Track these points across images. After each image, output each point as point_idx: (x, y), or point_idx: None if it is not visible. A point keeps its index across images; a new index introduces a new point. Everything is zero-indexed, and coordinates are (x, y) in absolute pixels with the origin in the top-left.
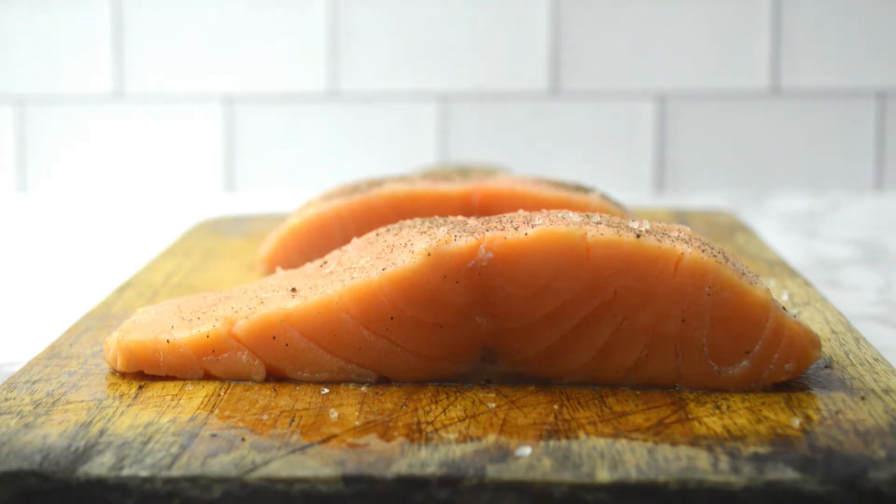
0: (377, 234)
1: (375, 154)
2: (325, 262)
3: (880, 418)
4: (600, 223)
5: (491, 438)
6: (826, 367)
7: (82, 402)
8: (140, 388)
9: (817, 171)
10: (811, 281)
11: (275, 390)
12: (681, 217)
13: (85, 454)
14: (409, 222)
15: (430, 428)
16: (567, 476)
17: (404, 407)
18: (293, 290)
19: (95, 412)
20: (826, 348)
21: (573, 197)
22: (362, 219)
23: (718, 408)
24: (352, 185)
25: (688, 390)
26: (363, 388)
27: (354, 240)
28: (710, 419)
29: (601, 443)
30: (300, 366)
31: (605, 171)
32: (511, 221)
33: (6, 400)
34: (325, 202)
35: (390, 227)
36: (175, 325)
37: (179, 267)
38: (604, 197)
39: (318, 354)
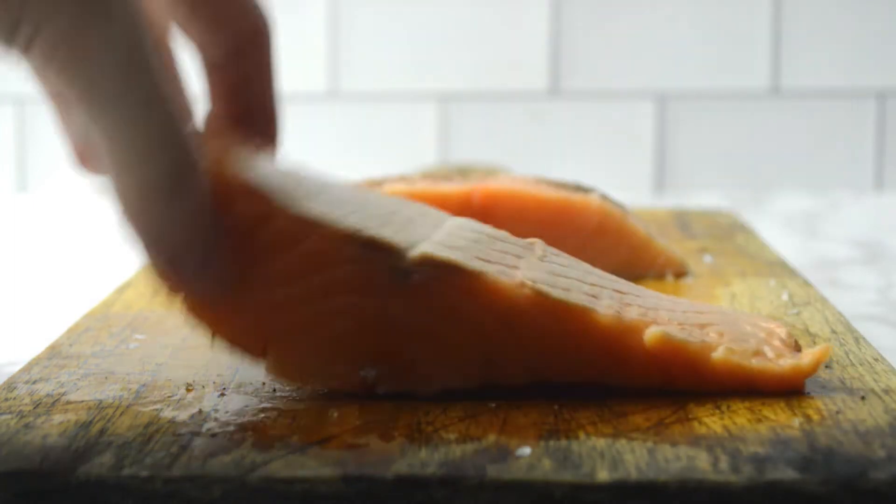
0: None
1: (375, 154)
2: None
3: (880, 418)
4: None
5: (491, 438)
6: (826, 367)
7: (82, 402)
8: (140, 387)
9: (817, 171)
10: (811, 281)
11: (275, 390)
12: (681, 217)
13: (85, 454)
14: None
15: (430, 428)
16: (567, 476)
17: (404, 407)
18: None
19: (95, 412)
20: None
21: (573, 197)
22: None
23: (718, 408)
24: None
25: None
26: None
27: None
28: (710, 419)
29: (601, 443)
30: None
31: (605, 171)
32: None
33: (6, 400)
34: None
35: None
36: None
37: None
38: (604, 197)
39: None
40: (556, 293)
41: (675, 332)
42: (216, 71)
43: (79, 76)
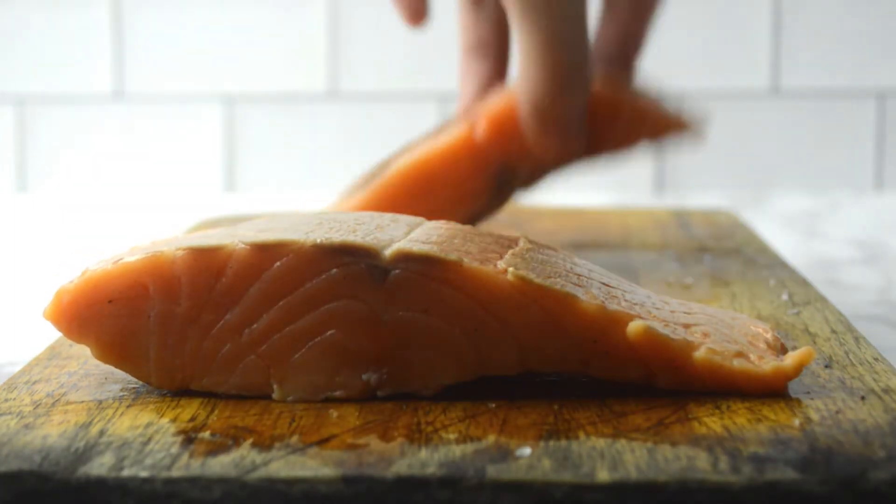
0: None
1: (375, 154)
2: None
3: (880, 418)
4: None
5: (491, 438)
6: (826, 367)
7: (82, 402)
8: (140, 387)
9: (817, 171)
10: (811, 281)
11: None
12: (681, 217)
13: (85, 455)
14: None
15: (430, 428)
16: (567, 476)
17: (404, 407)
18: None
19: (95, 412)
20: (826, 348)
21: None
22: (388, 206)
23: (718, 408)
24: (367, 174)
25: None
26: None
27: None
28: (710, 419)
29: (601, 443)
30: None
31: (605, 170)
32: None
33: (6, 400)
34: (348, 201)
35: None
36: None
37: None
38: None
39: None
40: (539, 279)
41: (659, 327)
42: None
43: None
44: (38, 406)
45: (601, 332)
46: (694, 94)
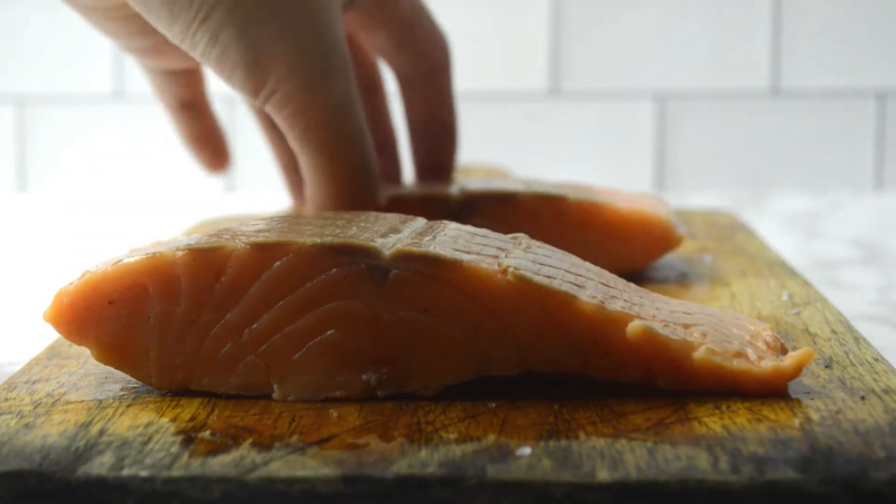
0: None
1: None
2: None
3: (880, 418)
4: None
5: (491, 438)
6: (826, 367)
7: (82, 402)
8: (140, 387)
9: (817, 171)
10: (811, 281)
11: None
12: (681, 217)
13: (85, 454)
14: None
15: (430, 428)
16: (567, 476)
17: (404, 407)
18: None
19: (95, 412)
20: (826, 348)
21: None
22: None
23: (718, 408)
24: None
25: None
26: None
27: None
28: (710, 419)
29: (601, 443)
30: None
31: (605, 171)
32: None
33: (6, 400)
34: None
35: None
36: None
37: None
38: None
39: None
40: (539, 279)
41: (658, 328)
42: (411, 88)
43: (299, 122)
44: (38, 405)
45: (601, 332)
46: (694, 94)
